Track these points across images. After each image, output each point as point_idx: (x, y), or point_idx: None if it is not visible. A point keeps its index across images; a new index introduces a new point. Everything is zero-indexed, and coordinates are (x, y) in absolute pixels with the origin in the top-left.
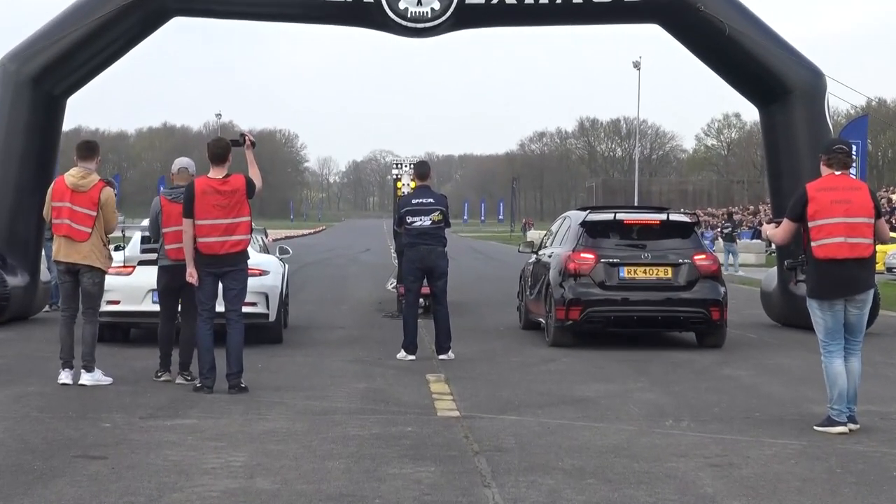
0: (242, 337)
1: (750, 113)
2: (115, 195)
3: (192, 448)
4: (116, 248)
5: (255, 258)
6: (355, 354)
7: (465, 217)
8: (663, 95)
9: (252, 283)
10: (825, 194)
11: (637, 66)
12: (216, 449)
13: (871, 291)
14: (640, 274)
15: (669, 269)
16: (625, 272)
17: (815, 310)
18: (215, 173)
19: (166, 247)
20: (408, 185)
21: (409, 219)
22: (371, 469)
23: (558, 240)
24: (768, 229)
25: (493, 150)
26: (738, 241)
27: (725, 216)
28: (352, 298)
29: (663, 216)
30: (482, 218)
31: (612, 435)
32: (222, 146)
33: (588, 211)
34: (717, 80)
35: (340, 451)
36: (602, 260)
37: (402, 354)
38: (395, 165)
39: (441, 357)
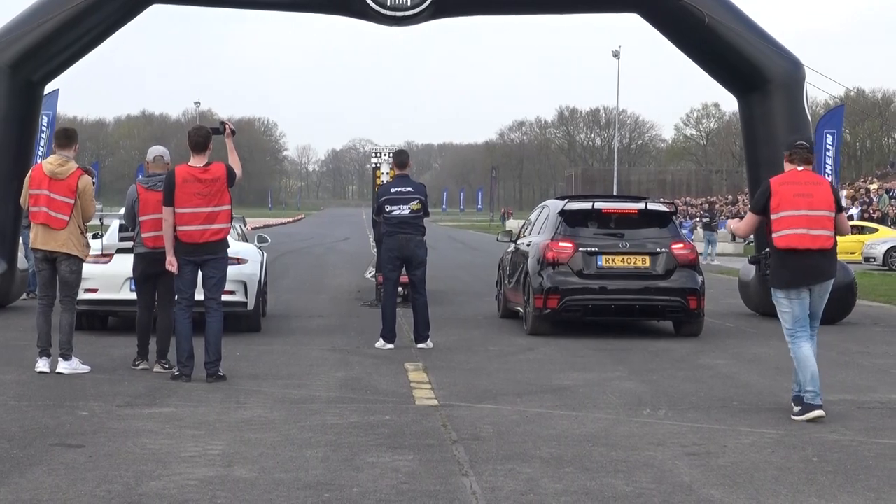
0: (221, 325)
1: (729, 103)
2: (94, 184)
3: (169, 436)
4: (94, 237)
5: (234, 247)
6: (334, 343)
7: (445, 206)
8: (643, 85)
9: (231, 271)
10: (788, 188)
11: (616, 55)
12: (194, 437)
13: (832, 281)
14: (618, 263)
15: (647, 258)
16: (603, 261)
17: (780, 300)
18: (196, 161)
19: (143, 235)
20: (387, 173)
21: (388, 208)
22: (349, 457)
23: (537, 229)
24: (732, 224)
25: (473, 139)
26: (717, 230)
27: (706, 205)
28: (330, 287)
29: (641, 205)
30: (461, 207)
31: (589, 423)
32: (203, 134)
33: (566, 200)
34: (696, 70)
35: (318, 440)
36: (580, 249)
37: (380, 343)
38: (374, 154)
39: (419, 346)
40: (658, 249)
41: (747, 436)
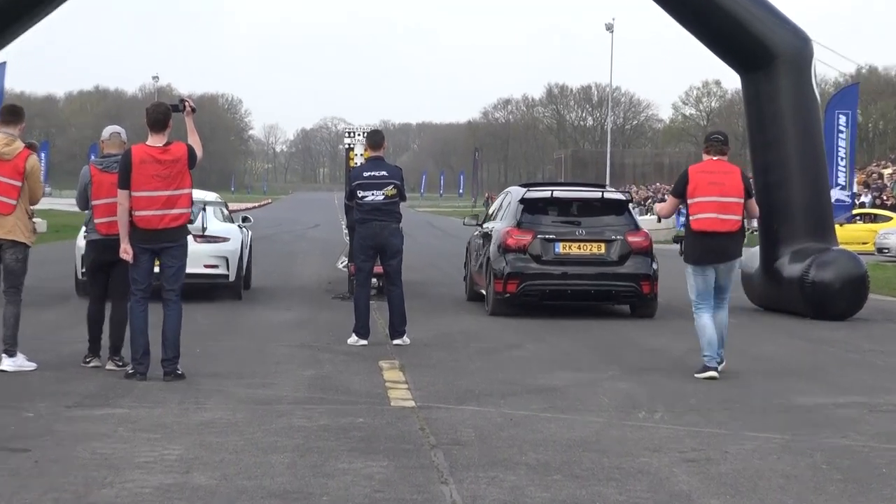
0: (180, 319)
1: (731, 80)
2: (41, 162)
3: (123, 440)
4: None
5: (218, 226)
6: (302, 339)
7: (423, 190)
8: (638, 61)
9: (215, 247)
10: (703, 176)
11: (610, 28)
12: (150, 441)
13: (738, 259)
14: (575, 249)
15: (602, 245)
16: (560, 248)
17: (689, 273)
18: (154, 141)
19: (96, 220)
20: (361, 155)
21: (361, 193)
22: (318, 464)
23: (500, 214)
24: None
25: (454, 118)
26: None
27: None
28: (299, 278)
29: (598, 194)
30: (441, 191)
31: (580, 427)
32: (162, 111)
33: (527, 188)
34: (696, 45)
35: (285, 444)
36: (539, 236)
37: (352, 339)
38: (347, 134)
39: (395, 342)
40: (613, 237)
41: (751, 441)
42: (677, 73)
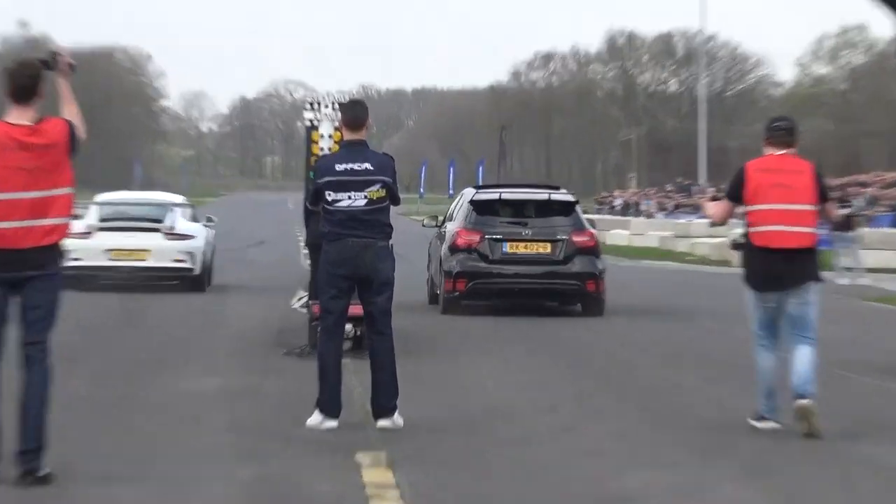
0: (48, 388)
1: (883, 25)
2: None
3: None
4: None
5: (185, 225)
6: (238, 419)
7: (423, 189)
8: None
9: (183, 244)
10: (765, 176)
11: None
12: None
13: (814, 284)
14: (522, 249)
15: (549, 245)
16: (507, 247)
17: (748, 299)
18: (18, 117)
19: None
20: (330, 137)
21: (332, 196)
22: None
23: (454, 215)
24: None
25: (470, 83)
26: (861, 228)
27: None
28: (234, 324)
29: (545, 196)
30: (450, 190)
31: None
32: (30, 73)
33: (477, 190)
34: None
35: None
36: (487, 236)
37: (315, 419)
38: (308, 106)
39: (381, 423)
40: (559, 236)
41: None
42: (802, 17)
